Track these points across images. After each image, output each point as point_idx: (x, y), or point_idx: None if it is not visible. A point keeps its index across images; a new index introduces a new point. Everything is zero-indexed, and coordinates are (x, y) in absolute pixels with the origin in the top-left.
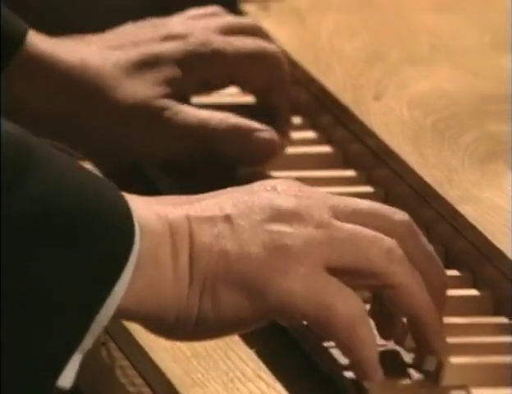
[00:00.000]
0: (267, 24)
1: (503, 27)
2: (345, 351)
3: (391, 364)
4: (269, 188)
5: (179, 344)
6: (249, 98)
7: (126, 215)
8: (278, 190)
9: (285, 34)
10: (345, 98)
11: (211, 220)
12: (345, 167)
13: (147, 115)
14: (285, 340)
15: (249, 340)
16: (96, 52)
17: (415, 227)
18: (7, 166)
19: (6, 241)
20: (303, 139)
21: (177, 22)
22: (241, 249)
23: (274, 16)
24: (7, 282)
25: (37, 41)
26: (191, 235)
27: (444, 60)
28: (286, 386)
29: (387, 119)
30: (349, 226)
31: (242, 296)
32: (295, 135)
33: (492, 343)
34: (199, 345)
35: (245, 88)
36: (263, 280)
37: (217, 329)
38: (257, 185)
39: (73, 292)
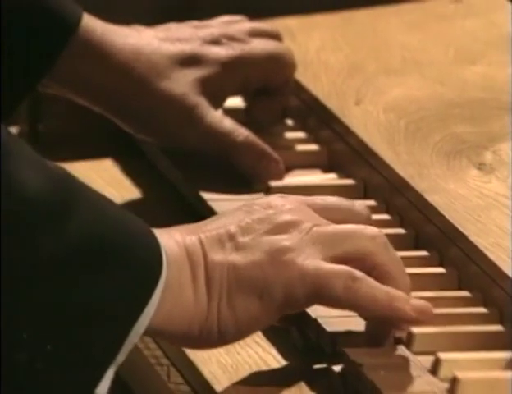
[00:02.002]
0: None
1: (464, 43)
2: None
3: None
4: (265, 205)
5: None
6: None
7: (156, 247)
8: (272, 206)
9: None
10: (330, 103)
11: (219, 240)
12: (329, 162)
13: (182, 108)
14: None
15: None
16: (147, 41)
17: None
18: (55, 203)
19: (53, 271)
20: (293, 139)
21: (216, 25)
22: (246, 258)
23: None
24: (54, 307)
25: (93, 24)
26: (205, 257)
27: (414, 71)
28: (280, 350)
29: (366, 121)
30: (332, 226)
31: (253, 298)
32: (287, 134)
33: (457, 314)
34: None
35: (269, 85)
36: (269, 280)
37: (238, 332)
38: (255, 205)
39: (111, 313)
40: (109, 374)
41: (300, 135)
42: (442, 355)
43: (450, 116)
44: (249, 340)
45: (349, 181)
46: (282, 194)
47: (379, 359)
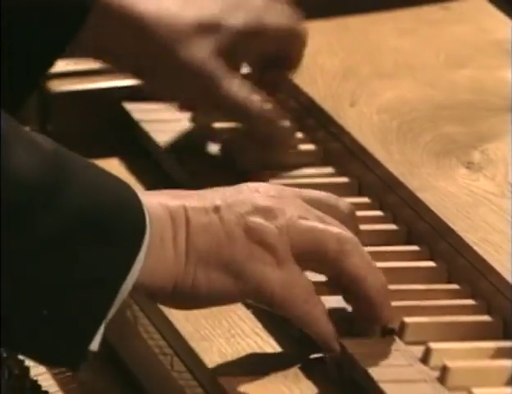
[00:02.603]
0: None
1: (454, 48)
2: (297, 325)
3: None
4: (253, 189)
5: None
6: None
7: (139, 209)
8: (259, 191)
9: None
10: (326, 105)
11: (203, 209)
12: (325, 161)
13: (200, 74)
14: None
15: (247, 303)
16: (167, 7)
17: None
18: (48, 184)
19: (50, 244)
20: None
21: None
22: (229, 236)
23: None
24: (54, 274)
25: None
26: (187, 221)
27: (406, 74)
28: (278, 340)
29: (360, 122)
30: (309, 222)
31: (229, 276)
32: None
33: (447, 305)
34: (206, 309)
35: (282, 58)
36: (246, 266)
37: (207, 300)
38: (244, 186)
39: (103, 273)
40: (101, 331)
41: (298, 135)
42: (433, 345)
43: (440, 117)
44: (248, 330)
45: (343, 179)
46: (273, 185)
47: (372, 349)
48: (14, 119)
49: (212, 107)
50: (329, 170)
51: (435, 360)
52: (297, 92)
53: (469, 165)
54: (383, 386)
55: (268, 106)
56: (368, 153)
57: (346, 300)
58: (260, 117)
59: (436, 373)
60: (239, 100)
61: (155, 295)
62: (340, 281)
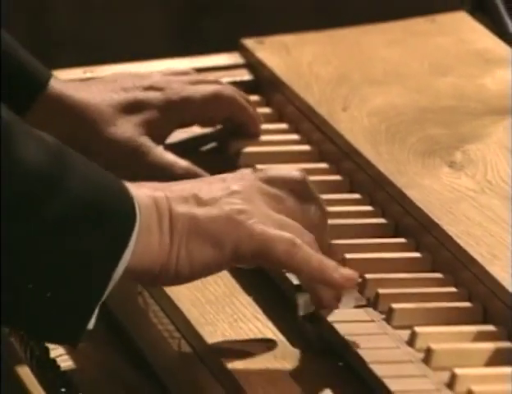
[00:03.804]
0: (262, 54)
1: (438, 57)
2: (296, 273)
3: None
4: (225, 177)
5: (197, 294)
6: None
7: (130, 200)
8: (230, 177)
9: (275, 62)
10: (321, 109)
11: (183, 197)
12: (320, 161)
13: (130, 149)
14: (274, 290)
15: (248, 290)
16: (96, 93)
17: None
18: (51, 175)
19: (51, 229)
20: (288, 140)
21: (157, 76)
22: (206, 213)
23: (267, 48)
24: (54, 257)
25: (54, 84)
26: (170, 209)
27: (394, 81)
28: (276, 324)
29: (352, 125)
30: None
31: (207, 247)
32: (282, 137)
33: (431, 293)
34: (211, 294)
35: (211, 123)
36: (222, 234)
37: (191, 274)
38: (219, 176)
39: (99, 258)
40: (96, 311)
41: (294, 137)
42: (418, 329)
43: (425, 120)
44: (249, 315)
45: (336, 177)
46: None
47: (363, 333)
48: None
49: (144, 175)
50: (323, 168)
51: (420, 343)
52: (294, 97)
53: (452, 164)
54: (373, 367)
55: (194, 168)
56: (359, 154)
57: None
58: (186, 178)
59: (422, 355)
60: (164, 165)
61: (142, 278)
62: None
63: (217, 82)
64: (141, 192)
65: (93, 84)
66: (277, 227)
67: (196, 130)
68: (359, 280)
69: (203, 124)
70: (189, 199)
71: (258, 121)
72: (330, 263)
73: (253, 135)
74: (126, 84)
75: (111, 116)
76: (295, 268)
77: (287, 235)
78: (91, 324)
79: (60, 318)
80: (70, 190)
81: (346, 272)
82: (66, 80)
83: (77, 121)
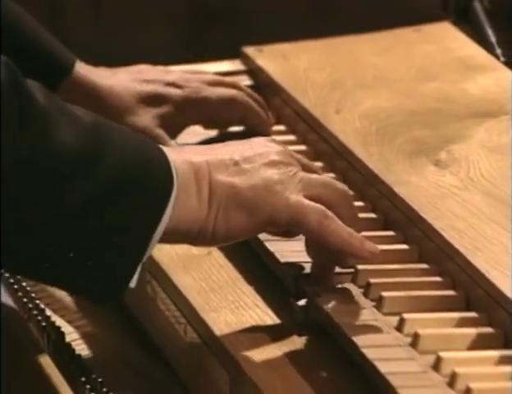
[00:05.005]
0: (261, 61)
1: (424, 64)
2: (325, 242)
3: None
4: (263, 144)
5: (201, 283)
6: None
7: (167, 167)
8: (268, 146)
9: (273, 68)
10: (316, 112)
11: (223, 163)
12: (315, 159)
13: None
14: (273, 281)
15: (249, 280)
16: (120, 82)
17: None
18: (86, 154)
19: (95, 199)
20: (285, 141)
21: (179, 73)
22: (245, 182)
23: (266, 55)
24: (96, 224)
25: (79, 68)
26: (210, 174)
27: (383, 86)
28: (275, 311)
29: (345, 127)
30: (315, 175)
31: (244, 213)
32: (280, 138)
33: (418, 282)
34: (215, 284)
35: (225, 124)
36: (259, 202)
37: (226, 237)
38: (257, 141)
39: (138, 223)
40: (138, 269)
41: (291, 137)
42: (406, 315)
43: (412, 122)
44: (250, 303)
45: (330, 175)
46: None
47: (356, 319)
48: (54, 95)
49: None
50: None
51: (408, 328)
52: (291, 101)
53: (437, 163)
54: (365, 350)
55: None
56: (351, 153)
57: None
58: None
59: (409, 340)
60: None
61: (180, 239)
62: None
63: (234, 85)
64: (180, 158)
65: (118, 73)
66: (314, 197)
67: (208, 134)
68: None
69: (217, 123)
70: (229, 165)
71: (268, 124)
72: (358, 237)
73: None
74: (150, 76)
75: (131, 104)
76: (326, 238)
77: (321, 207)
78: (133, 283)
79: (103, 279)
80: (108, 161)
81: (371, 246)
82: (91, 67)
83: (99, 105)
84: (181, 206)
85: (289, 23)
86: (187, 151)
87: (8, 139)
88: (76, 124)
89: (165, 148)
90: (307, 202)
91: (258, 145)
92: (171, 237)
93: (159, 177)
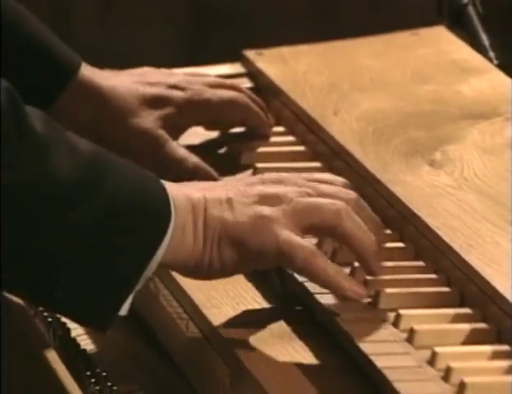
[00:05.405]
0: (261, 64)
1: (419, 67)
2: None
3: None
4: (258, 180)
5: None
6: None
7: (166, 200)
8: (265, 181)
9: (273, 71)
10: (314, 114)
11: (218, 200)
12: (314, 160)
13: (148, 139)
14: (271, 277)
15: (248, 276)
16: (123, 83)
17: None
18: (85, 183)
19: (90, 228)
20: (285, 142)
21: (181, 76)
22: (235, 219)
23: (266, 59)
24: (93, 253)
25: (84, 71)
26: (205, 210)
27: (380, 89)
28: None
29: (342, 128)
30: (309, 199)
31: (234, 249)
32: (280, 138)
33: (414, 279)
34: (216, 281)
35: (226, 125)
36: (246, 237)
37: (221, 272)
38: (254, 178)
39: (135, 252)
40: (129, 299)
41: (290, 138)
42: (402, 311)
43: (407, 124)
44: (249, 299)
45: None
46: (279, 173)
47: (355, 316)
48: (55, 122)
49: (158, 165)
50: (316, 167)
51: (404, 324)
52: (290, 103)
53: (432, 163)
54: (361, 345)
55: (203, 165)
56: (348, 153)
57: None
58: (195, 172)
59: (405, 335)
60: (177, 158)
61: (177, 271)
62: (339, 242)
63: (234, 88)
64: (180, 193)
65: (122, 75)
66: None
67: (209, 135)
68: (367, 297)
69: (218, 125)
70: (223, 202)
71: (268, 125)
72: (344, 276)
73: (262, 138)
74: (152, 79)
75: (135, 106)
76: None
77: (308, 245)
78: (124, 311)
79: (95, 305)
80: (104, 194)
81: (357, 287)
82: (95, 68)
83: (104, 107)
84: (178, 240)
85: (289, 23)
86: (188, 186)
87: (8, 162)
88: (75, 153)
89: (166, 183)
90: (296, 240)
91: (258, 180)
92: (168, 268)
93: (157, 211)
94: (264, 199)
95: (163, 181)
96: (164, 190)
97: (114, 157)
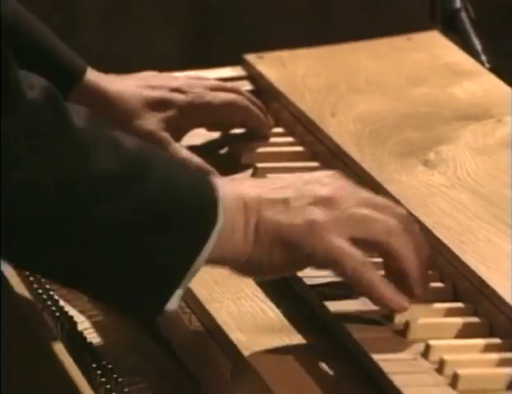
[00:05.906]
0: (261, 67)
1: (414, 70)
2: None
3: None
4: (317, 180)
5: (205, 275)
6: None
7: (214, 203)
8: (323, 182)
9: (273, 74)
10: (312, 115)
11: (274, 201)
12: (312, 160)
13: (151, 141)
14: None
15: None
16: (127, 87)
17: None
18: (123, 178)
19: (126, 227)
20: (284, 142)
21: (183, 79)
22: (289, 221)
23: (266, 62)
24: (131, 252)
25: (89, 75)
26: (259, 211)
27: (376, 91)
28: (273, 301)
29: (340, 129)
30: (364, 211)
31: (285, 251)
32: (279, 139)
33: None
34: (218, 276)
35: (227, 126)
36: (299, 241)
37: (269, 272)
38: (312, 178)
39: (182, 249)
40: (178, 295)
41: (289, 139)
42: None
43: (403, 125)
44: (250, 294)
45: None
46: (337, 175)
47: (353, 312)
48: (101, 120)
49: None
50: (314, 166)
51: (399, 318)
52: (289, 104)
53: (426, 163)
54: (359, 340)
55: (205, 166)
56: (345, 154)
57: (387, 274)
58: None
59: (400, 328)
60: (179, 157)
61: (231, 267)
62: (384, 258)
63: (234, 90)
64: (233, 192)
65: (126, 79)
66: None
67: (210, 136)
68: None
69: (219, 126)
70: (278, 203)
71: (267, 126)
72: (391, 288)
73: (262, 138)
74: (155, 82)
75: (138, 109)
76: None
77: (359, 255)
78: (172, 305)
79: (144, 298)
80: (146, 191)
81: (403, 302)
82: (100, 73)
83: (109, 110)
84: (226, 240)
85: (289, 23)
86: (244, 183)
87: (48, 159)
88: (118, 148)
89: (219, 182)
90: (347, 248)
91: (313, 181)
92: (220, 264)
93: (202, 212)
94: (320, 203)
95: (217, 180)
96: (213, 190)
97: (161, 155)
